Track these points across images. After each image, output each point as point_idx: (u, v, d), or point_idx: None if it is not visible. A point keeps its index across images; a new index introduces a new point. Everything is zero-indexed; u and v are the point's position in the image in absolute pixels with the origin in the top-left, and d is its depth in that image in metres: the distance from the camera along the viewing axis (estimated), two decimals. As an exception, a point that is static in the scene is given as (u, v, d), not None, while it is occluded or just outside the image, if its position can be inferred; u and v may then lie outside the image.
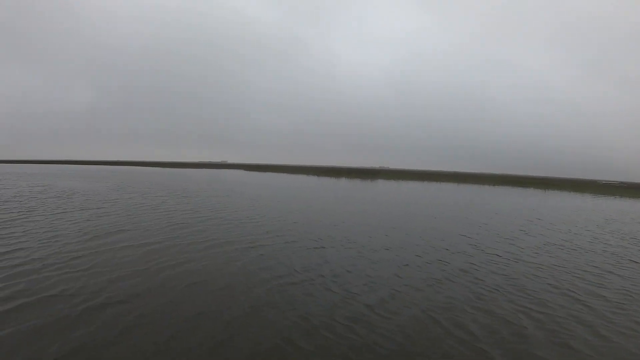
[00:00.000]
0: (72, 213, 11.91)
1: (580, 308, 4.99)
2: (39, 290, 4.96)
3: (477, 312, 4.68)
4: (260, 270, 6.26)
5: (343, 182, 40.58)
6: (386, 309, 4.75)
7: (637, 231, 12.43)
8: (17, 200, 14.76)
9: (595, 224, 13.83)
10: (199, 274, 5.89)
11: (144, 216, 11.70)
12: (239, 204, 15.44)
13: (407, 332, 4.09)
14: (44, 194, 17.77)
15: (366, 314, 4.53)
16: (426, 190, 31.70)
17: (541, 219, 14.62)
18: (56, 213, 11.68)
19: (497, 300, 5.21)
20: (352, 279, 5.90)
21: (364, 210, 14.77)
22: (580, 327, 4.42)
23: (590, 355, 3.78)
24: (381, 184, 39.45)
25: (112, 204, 14.44)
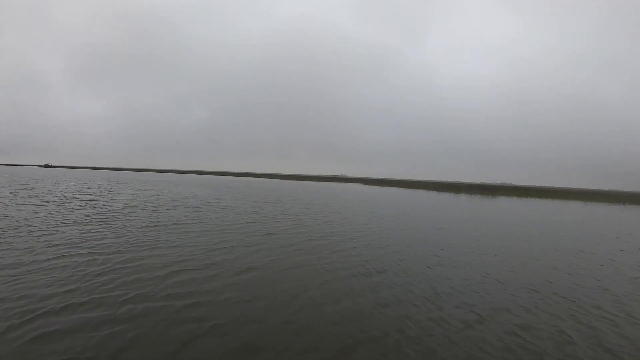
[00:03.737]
0: (157, 212, 14.78)
1: None
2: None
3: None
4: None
5: (464, 199, 41.36)
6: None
7: None
8: (126, 199, 20.16)
9: None
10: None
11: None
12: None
13: None
14: (159, 198, 21.92)
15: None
16: (562, 212, 30.50)
17: None
18: (152, 212, 14.73)
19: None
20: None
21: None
22: None
23: None
24: (504, 202, 39.35)
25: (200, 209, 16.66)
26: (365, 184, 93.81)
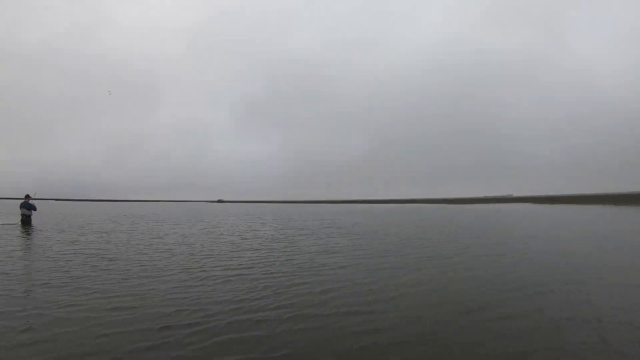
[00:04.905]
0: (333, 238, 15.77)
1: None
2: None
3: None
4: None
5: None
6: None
7: None
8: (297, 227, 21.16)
9: None
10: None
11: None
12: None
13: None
14: (325, 227, 22.09)
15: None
16: None
17: None
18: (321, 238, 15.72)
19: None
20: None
21: None
22: None
23: None
24: None
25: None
26: (535, 202, 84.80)
